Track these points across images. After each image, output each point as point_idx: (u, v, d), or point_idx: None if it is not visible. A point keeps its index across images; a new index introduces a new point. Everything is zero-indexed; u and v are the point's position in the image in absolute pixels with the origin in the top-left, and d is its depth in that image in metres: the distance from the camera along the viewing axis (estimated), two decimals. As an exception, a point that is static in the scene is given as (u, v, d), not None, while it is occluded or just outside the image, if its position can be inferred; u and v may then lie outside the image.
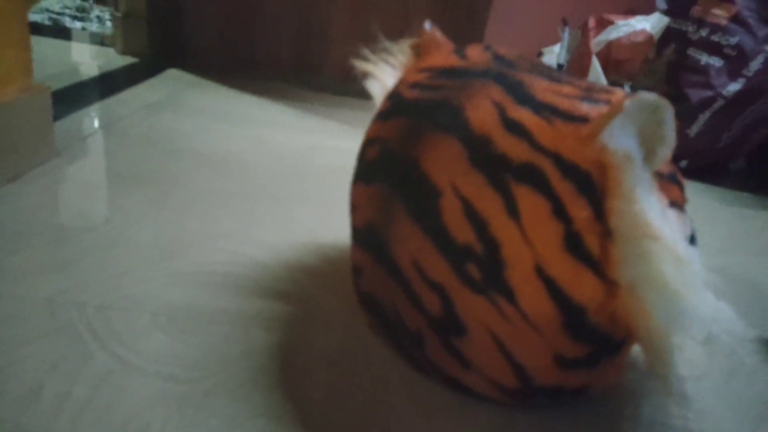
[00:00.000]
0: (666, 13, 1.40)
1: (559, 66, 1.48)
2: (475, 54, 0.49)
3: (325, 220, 0.78)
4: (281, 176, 0.90)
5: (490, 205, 0.40)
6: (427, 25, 0.52)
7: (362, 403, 0.45)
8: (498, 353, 0.42)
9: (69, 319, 0.49)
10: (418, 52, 0.53)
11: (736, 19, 1.29)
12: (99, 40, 1.81)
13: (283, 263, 0.64)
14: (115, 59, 1.52)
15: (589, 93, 0.42)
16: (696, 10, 1.37)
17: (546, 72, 0.46)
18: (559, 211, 0.38)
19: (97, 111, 1.08)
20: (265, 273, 0.62)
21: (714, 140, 1.30)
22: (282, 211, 0.78)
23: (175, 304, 0.54)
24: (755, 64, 1.26)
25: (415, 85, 0.48)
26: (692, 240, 0.45)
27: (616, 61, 1.33)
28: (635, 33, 1.32)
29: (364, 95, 0.57)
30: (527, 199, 0.39)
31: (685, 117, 1.29)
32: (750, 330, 0.67)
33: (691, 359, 0.42)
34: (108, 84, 1.29)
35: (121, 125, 1.01)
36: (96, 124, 1.00)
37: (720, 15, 1.31)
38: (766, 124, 1.30)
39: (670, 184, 0.44)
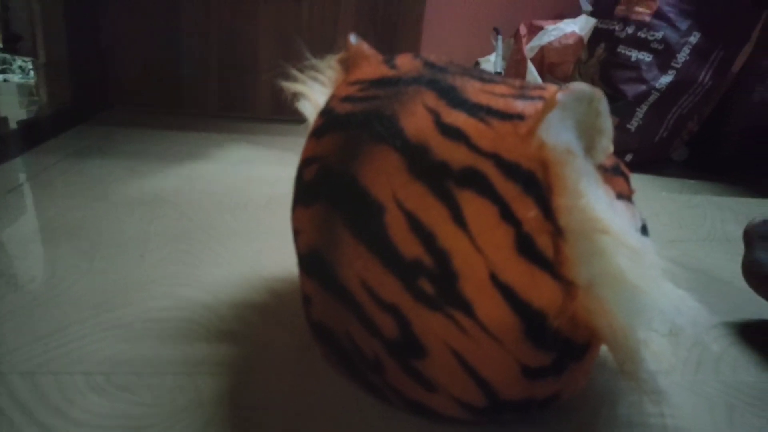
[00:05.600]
0: (592, 14, 1.44)
1: (497, 74, 1.50)
2: (405, 62, 0.47)
3: (269, 253, 0.74)
4: (218, 212, 0.86)
5: (435, 215, 0.37)
6: (353, 38, 0.51)
7: (324, 443, 0.42)
8: (462, 371, 0.40)
9: (-10, 391, 0.44)
10: (347, 65, 0.51)
11: (657, 14, 1.33)
12: (26, 90, 1.73)
13: (227, 302, 0.61)
14: (42, 108, 1.45)
15: (523, 91, 0.41)
16: (620, 9, 1.41)
17: (478, 74, 0.45)
18: (507, 214, 0.36)
19: (21, 163, 1.02)
20: (210, 315, 0.58)
21: (654, 132, 1.33)
22: (222, 248, 0.74)
23: (112, 360, 0.49)
24: (682, 56, 1.30)
25: (346, 99, 0.46)
26: (644, 231, 0.44)
27: (550, 65, 1.35)
28: (566, 36, 1.34)
29: (299, 119, 0.55)
30: (472, 204, 0.37)
31: (623, 113, 1.32)
32: (711, 317, 0.67)
33: (658, 353, 0.41)
34: (33, 134, 1.23)
35: (47, 175, 0.96)
36: (20, 176, 0.94)
37: (642, 12, 1.35)
38: (699, 113, 1.35)
39: (615, 177, 0.43)
